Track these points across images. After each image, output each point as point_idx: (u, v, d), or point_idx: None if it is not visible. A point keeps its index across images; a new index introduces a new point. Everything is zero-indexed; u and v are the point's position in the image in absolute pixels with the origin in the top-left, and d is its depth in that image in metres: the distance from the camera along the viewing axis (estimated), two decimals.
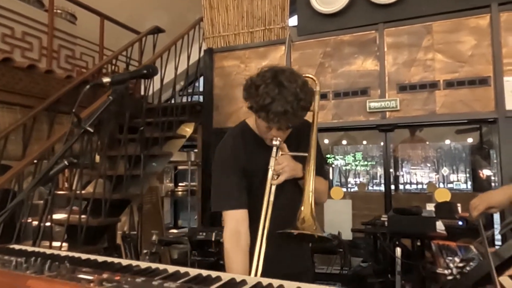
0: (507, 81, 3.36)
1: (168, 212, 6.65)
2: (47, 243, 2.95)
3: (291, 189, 1.49)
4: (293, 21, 4.62)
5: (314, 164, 1.42)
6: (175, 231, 5.12)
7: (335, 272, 3.25)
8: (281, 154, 1.43)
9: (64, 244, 3.19)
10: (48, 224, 2.90)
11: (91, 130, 1.06)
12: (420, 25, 3.73)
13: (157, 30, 4.59)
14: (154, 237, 2.54)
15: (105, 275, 0.92)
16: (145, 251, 2.49)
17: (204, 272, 1.01)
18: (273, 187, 1.39)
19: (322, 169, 1.56)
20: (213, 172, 1.52)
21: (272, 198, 1.37)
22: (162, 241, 3.01)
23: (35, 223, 3.18)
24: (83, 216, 3.09)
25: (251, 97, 1.36)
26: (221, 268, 2.52)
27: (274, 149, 1.41)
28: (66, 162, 1.43)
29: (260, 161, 1.45)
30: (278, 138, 1.39)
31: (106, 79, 1.10)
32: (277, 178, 1.40)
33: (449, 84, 3.57)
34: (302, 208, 1.34)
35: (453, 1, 3.60)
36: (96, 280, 0.86)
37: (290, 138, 1.47)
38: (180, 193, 6.33)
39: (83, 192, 3.60)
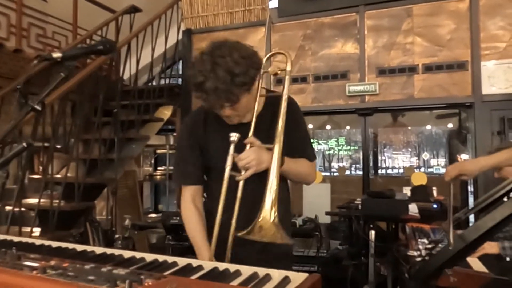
0: (484, 66, 3.37)
1: (148, 196, 6.59)
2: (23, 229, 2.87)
3: (256, 178, 1.33)
4: (273, 3, 4.52)
5: (279, 158, 1.26)
6: (154, 215, 5.06)
7: (312, 255, 3.26)
8: (250, 146, 1.31)
9: (36, 229, 3.11)
10: (17, 209, 2.80)
11: (39, 108, 0.99)
12: (401, 8, 3.70)
13: (133, 9, 4.42)
14: (126, 222, 2.49)
15: (52, 262, 0.87)
16: (117, 236, 2.44)
17: (161, 258, 0.97)
18: (241, 182, 1.30)
19: (306, 150, 1.49)
20: (175, 147, 1.59)
21: (239, 194, 1.29)
22: (135, 225, 2.96)
23: (8, 208, 3.08)
24: (55, 200, 3.00)
25: (190, 76, 1.26)
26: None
27: (232, 146, 1.29)
28: (24, 144, 1.36)
29: (220, 143, 1.36)
30: (236, 134, 1.28)
31: (57, 54, 1.03)
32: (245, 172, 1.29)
33: (428, 68, 3.57)
34: (261, 216, 1.19)
35: None
36: (40, 267, 0.81)
37: (265, 117, 1.39)
38: (159, 177, 6.26)
39: (57, 176, 3.50)
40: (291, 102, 1.41)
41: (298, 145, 1.45)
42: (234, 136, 1.27)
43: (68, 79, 3.00)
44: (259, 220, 1.19)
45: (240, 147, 1.30)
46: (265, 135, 1.32)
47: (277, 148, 1.27)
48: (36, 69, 3.08)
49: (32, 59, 3.70)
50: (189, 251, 2.66)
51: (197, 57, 1.27)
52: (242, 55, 1.24)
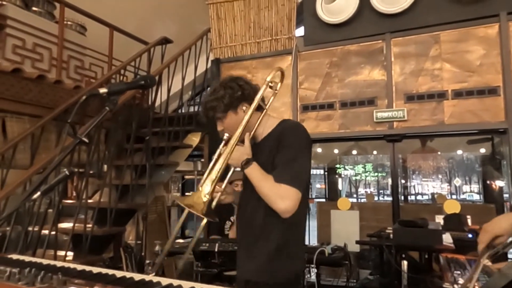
0: None
1: (175, 222, 6.63)
2: (58, 253, 2.96)
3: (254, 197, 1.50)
4: (300, 31, 4.63)
5: (230, 149, 1.49)
6: (181, 241, 5.07)
7: (342, 285, 3.18)
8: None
9: (70, 253, 3.19)
10: (53, 233, 2.90)
11: (86, 141, 1.06)
12: (428, 35, 3.71)
13: (165, 41, 4.63)
14: (157, 247, 2.53)
15: (96, 287, 0.91)
16: (148, 261, 2.47)
17: (198, 286, 0.99)
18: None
19: (281, 174, 1.44)
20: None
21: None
22: None
23: (44, 232, 3.19)
24: (88, 225, 3.09)
25: None
26: (224, 279, 2.47)
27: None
28: (66, 172, 1.44)
29: None
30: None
31: (102, 90, 1.10)
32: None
33: (458, 94, 3.52)
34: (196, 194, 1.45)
35: (460, 10, 3.57)
36: None
37: (270, 139, 1.57)
38: None
39: (90, 201, 3.61)
40: (290, 126, 1.56)
41: (277, 167, 1.47)
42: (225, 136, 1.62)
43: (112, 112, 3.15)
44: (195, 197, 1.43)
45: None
46: (266, 154, 1.53)
47: (232, 140, 1.52)
48: (81, 102, 3.24)
49: (70, 90, 3.91)
50: (217, 278, 2.66)
51: None
52: (223, 85, 1.60)
